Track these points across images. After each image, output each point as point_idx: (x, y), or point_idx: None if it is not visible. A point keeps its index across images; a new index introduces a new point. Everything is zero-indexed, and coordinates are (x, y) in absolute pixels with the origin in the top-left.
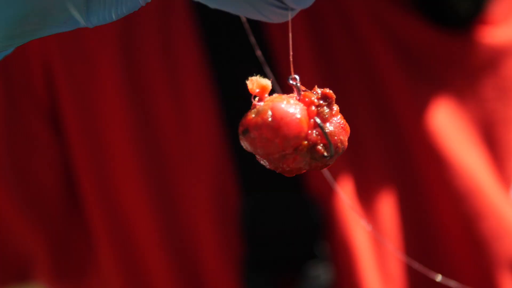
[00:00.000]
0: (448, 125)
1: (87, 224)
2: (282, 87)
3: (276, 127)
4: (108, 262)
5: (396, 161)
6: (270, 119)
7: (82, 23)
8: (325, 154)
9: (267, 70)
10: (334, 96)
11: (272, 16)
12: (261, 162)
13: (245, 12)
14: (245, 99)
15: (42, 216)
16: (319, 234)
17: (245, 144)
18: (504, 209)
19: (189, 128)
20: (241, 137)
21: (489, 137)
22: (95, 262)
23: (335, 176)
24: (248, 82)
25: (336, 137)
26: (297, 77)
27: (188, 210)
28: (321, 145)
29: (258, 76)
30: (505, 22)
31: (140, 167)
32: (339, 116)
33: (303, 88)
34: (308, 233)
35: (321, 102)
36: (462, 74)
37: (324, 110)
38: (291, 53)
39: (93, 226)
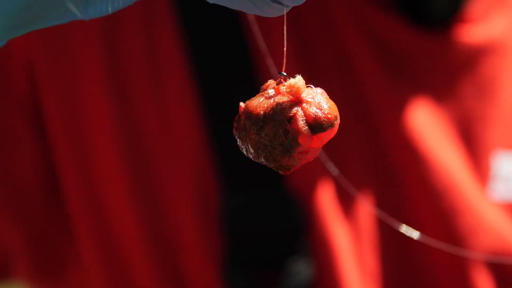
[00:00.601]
0: (426, 123)
1: (68, 220)
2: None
3: (322, 139)
4: (90, 258)
5: (374, 159)
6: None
7: (79, 15)
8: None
9: (270, 62)
10: (301, 88)
11: (268, 11)
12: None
13: (243, 7)
14: (227, 97)
15: (22, 213)
16: (299, 231)
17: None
18: (480, 206)
19: (171, 125)
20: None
21: (467, 135)
22: (77, 258)
23: (315, 175)
24: (288, 87)
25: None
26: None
27: (170, 207)
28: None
29: (299, 78)
30: (483, 20)
31: (122, 164)
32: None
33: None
34: (289, 230)
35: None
36: (441, 72)
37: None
38: (285, 48)
39: (74, 222)
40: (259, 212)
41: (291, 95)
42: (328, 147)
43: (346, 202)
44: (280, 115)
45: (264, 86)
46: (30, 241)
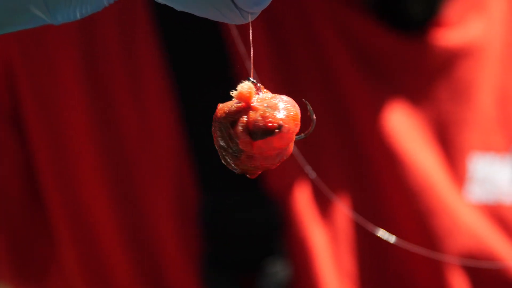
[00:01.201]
0: (403, 125)
1: (48, 222)
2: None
3: (282, 138)
4: (70, 260)
5: (351, 160)
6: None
7: (48, 21)
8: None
9: (251, 65)
10: (246, 95)
11: (235, 19)
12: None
13: (209, 15)
14: (205, 100)
15: (2, 216)
16: (277, 232)
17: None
18: (456, 207)
19: (149, 127)
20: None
21: (443, 138)
22: (58, 261)
23: (291, 177)
24: (236, 94)
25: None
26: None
27: (148, 209)
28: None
29: (241, 86)
30: (459, 24)
31: (101, 166)
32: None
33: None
34: (266, 231)
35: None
36: (417, 76)
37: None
38: (251, 54)
39: (54, 224)
40: (237, 214)
41: (240, 100)
42: (305, 149)
43: (323, 203)
44: (225, 119)
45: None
46: (11, 244)
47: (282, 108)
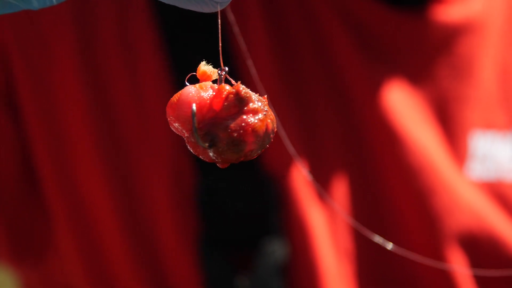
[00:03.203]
0: (402, 103)
1: (45, 206)
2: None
3: (175, 107)
4: (67, 242)
5: (350, 139)
6: (175, 99)
7: (24, 6)
8: (199, 143)
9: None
10: (246, 95)
11: (204, 8)
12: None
13: (177, 3)
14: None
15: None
16: (274, 211)
17: None
18: (456, 185)
19: (145, 109)
20: None
21: (443, 115)
22: (55, 244)
23: (289, 156)
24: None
25: (230, 131)
26: (226, 68)
27: (145, 189)
28: (197, 135)
29: (204, 63)
30: (459, 0)
31: (97, 149)
32: (254, 116)
33: (233, 82)
34: (263, 210)
35: (232, 96)
36: (417, 53)
37: (229, 104)
38: (220, 43)
39: (51, 208)
40: (234, 193)
41: (203, 79)
42: (303, 129)
43: (322, 181)
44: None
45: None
46: (8, 228)
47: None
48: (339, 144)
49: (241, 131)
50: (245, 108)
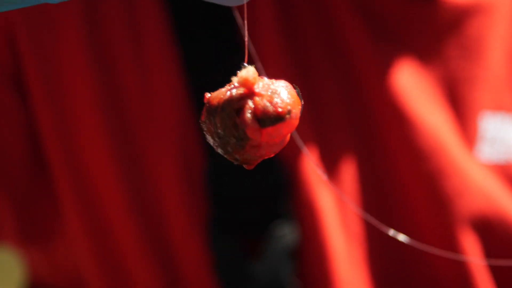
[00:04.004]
0: (412, 85)
1: (53, 187)
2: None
3: (271, 133)
4: (74, 225)
5: (359, 122)
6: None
7: (43, 0)
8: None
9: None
10: (251, 80)
11: (230, 1)
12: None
13: None
14: (208, 66)
15: (7, 180)
16: (284, 195)
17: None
18: (466, 168)
19: (153, 91)
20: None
21: (453, 97)
22: (62, 226)
23: (299, 140)
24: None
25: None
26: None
27: (153, 172)
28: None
29: (243, 71)
30: None
31: (105, 130)
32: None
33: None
34: (273, 193)
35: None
36: (426, 34)
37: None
38: (246, 39)
39: (59, 189)
40: (243, 176)
41: (243, 86)
42: (311, 110)
43: (331, 164)
44: (228, 107)
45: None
46: (16, 209)
47: (288, 93)
48: (347, 127)
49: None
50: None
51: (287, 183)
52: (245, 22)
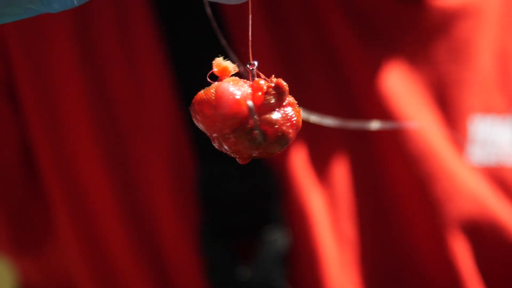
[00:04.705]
0: (401, 88)
1: (44, 195)
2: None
3: (214, 104)
4: (66, 232)
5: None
6: (212, 96)
7: (43, 10)
8: (259, 139)
9: (231, 54)
10: (287, 88)
11: (231, 0)
12: (214, 144)
13: None
14: (200, 69)
15: None
16: (275, 199)
17: (194, 120)
18: (456, 171)
19: (144, 96)
20: (191, 112)
21: (442, 100)
22: (54, 233)
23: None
24: (213, 63)
25: (277, 126)
26: (255, 63)
27: (144, 178)
28: (259, 130)
29: (222, 58)
30: None
31: (96, 139)
32: (291, 108)
33: (262, 76)
34: (264, 198)
35: (271, 90)
36: (415, 37)
37: (270, 98)
38: (250, 36)
39: (50, 197)
40: (233, 181)
41: (221, 74)
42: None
43: (320, 167)
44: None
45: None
46: (8, 217)
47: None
48: (338, 130)
49: (288, 124)
50: (284, 102)
51: (278, 187)
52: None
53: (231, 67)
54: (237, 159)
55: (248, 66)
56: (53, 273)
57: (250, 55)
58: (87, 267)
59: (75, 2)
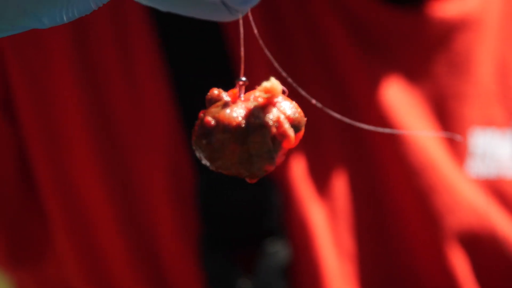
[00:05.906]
0: (401, 100)
1: (42, 208)
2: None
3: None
4: (64, 246)
5: (348, 137)
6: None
7: (35, 25)
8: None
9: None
10: (279, 90)
11: (224, 18)
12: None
13: (197, 14)
14: (197, 79)
15: None
16: (275, 211)
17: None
18: (456, 184)
19: (143, 107)
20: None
21: (442, 112)
22: (52, 247)
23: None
24: (263, 88)
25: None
26: (243, 79)
27: (143, 189)
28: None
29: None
30: None
31: (94, 150)
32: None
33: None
34: (264, 210)
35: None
36: (414, 49)
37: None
38: (242, 53)
39: (48, 210)
40: (233, 193)
41: (267, 98)
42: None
43: (320, 179)
44: (266, 121)
45: (213, 95)
46: (4, 228)
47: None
48: (338, 142)
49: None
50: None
51: (279, 200)
52: (241, 38)
53: (279, 88)
54: (245, 178)
55: (240, 81)
56: (50, 285)
57: (242, 70)
58: (85, 280)
59: (65, 19)
